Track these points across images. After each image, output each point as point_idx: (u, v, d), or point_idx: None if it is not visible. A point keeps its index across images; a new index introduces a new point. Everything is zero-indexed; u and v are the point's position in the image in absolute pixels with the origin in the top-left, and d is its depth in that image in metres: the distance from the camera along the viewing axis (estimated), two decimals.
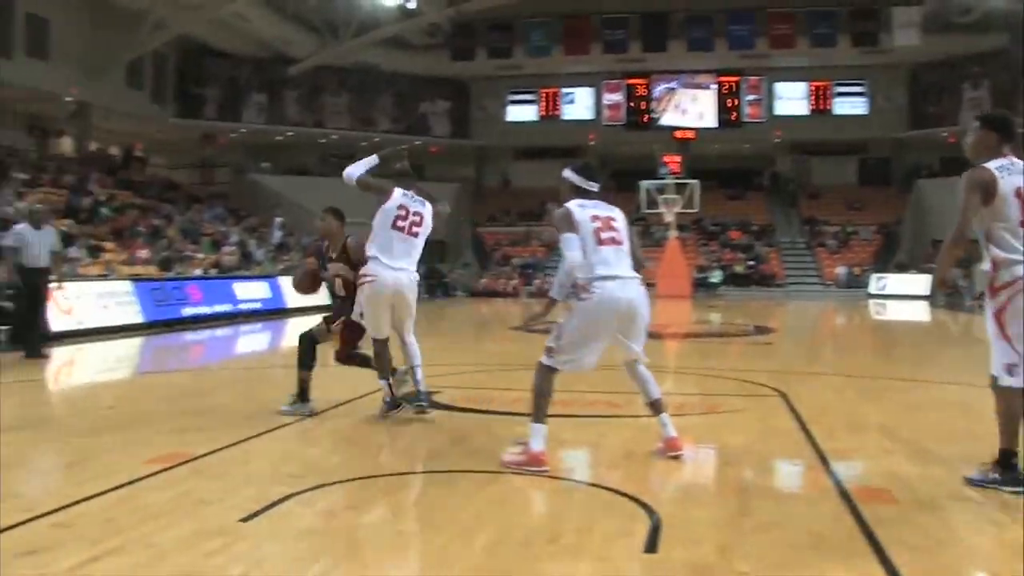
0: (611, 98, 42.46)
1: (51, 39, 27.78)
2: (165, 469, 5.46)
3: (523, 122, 42.98)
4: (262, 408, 7.74)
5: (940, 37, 35.60)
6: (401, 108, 41.73)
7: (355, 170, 7.15)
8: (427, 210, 7.24)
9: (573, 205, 5.67)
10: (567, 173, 5.93)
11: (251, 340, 17.99)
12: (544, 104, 43.11)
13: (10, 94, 27.81)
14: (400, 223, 7.03)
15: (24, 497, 4.95)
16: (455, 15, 37.38)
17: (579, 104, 43.00)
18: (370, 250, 6.99)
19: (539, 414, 5.55)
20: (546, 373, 5.61)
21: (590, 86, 42.60)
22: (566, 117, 43.01)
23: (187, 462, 5.66)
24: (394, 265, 6.97)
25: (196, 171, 38.78)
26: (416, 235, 7.13)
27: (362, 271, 6.99)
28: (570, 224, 5.55)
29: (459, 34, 39.19)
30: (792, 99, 41.74)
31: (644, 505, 4.67)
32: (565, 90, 42.93)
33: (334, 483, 5.21)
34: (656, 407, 5.87)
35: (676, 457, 5.76)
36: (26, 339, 12.68)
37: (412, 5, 34.93)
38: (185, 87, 36.42)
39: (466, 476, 5.37)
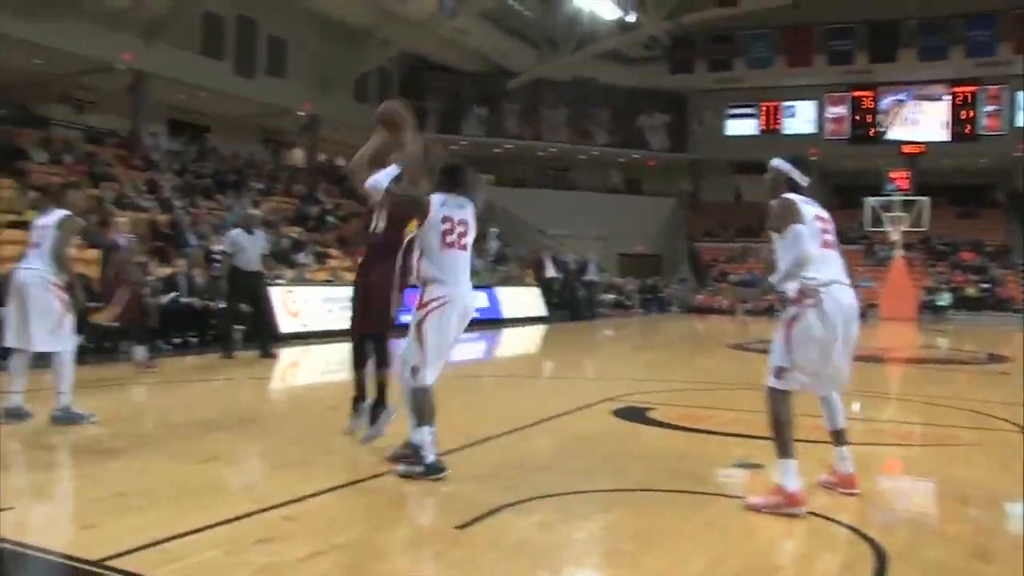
0: (834, 111, 40.98)
1: (288, 58, 29.41)
2: (382, 473, 5.61)
3: (742, 136, 42.16)
4: (478, 416, 7.85)
5: None
6: (618, 121, 41.70)
7: (380, 181, 5.81)
8: (470, 212, 5.97)
9: (795, 197, 5.22)
10: (781, 164, 5.41)
11: (467, 349, 18.36)
12: (764, 117, 42.09)
13: (251, 110, 29.66)
14: (448, 238, 5.79)
15: (256, 489, 5.22)
16: (674, 28, 37.10)
17: (800, 117, 41.73)
18: (428, 271, 5.78)
19: (785, 447, 5.01)
20: (781, 398, 5.08)
21: (813, 99, 41.27)
22: (787, 131, 41.79)
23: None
24: (461, 287, 5.84)
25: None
26: (465, 247, 5.89)
27: (427, 293, 5.79)
28: (796, 215, 5.07)
29: (678, 47, 38.87)
30: None
31: (869, 540, 4.43)
32: (786, 103, 41.82)
33: (548, 496, 5.21)
34: (839, 437, 5.39)
35: (852, 495, 5.31)
36: (258, 339, 13.46)
37: (631, 19, 34.88)
38: (407, 101, 37.55)
39: (682, 496, 5.27)
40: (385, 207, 6.53)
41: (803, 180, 5.38)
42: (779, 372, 5.07)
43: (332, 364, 13.56)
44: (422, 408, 5.66)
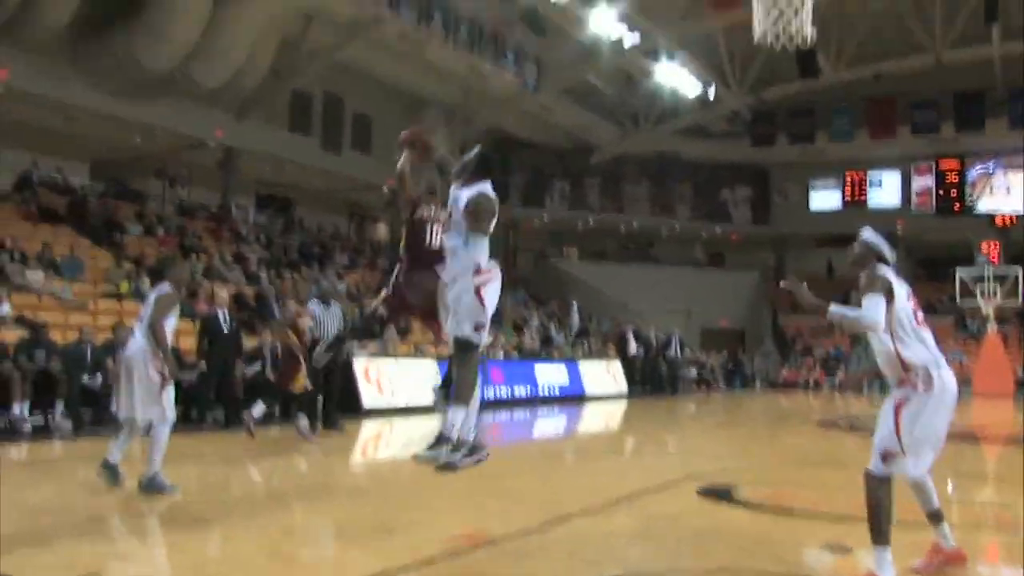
0: (920, 182, 40.25)
1: (373, 134, 30.04)
2: (466, 550, 5.58)
3: (826, 209, 41.71)
4: (560, 492, 7.77)
5: None
6: (700, 195, 41.62)
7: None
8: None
9: (890, 274, 5.16)
10: (872, 237, 5.37)
11: (549, 423, 18.29)
12: (848, 190, 41.58)
13: (337, 184, 30.29)
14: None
15: (338, 563, 5.21)
16: (755, 102, 37.12)
17: (886, 189, 41.08)
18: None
19: (882, 534, 4.86)
20: (883, 483, 4.94)
21: (898, 170, 40.75)
22: (872, 204, 41.23)
23: (487, 544, 5.76)
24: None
25: (500, 256, 40.26)
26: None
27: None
28: (887, 291, 5.04)
29: (759, 120, 38.78)
30: None
31: None
32: (871, 175, 41.31)
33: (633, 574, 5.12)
34: (937, 517, 5.21)
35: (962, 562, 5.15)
36: (326, 411, 13.65)
37: (712, 94, 35.00)
38: (491, 176, 37.98)
39: None
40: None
41: (891, 255, 5.33)
42: (886, 456, 4.96)
43: (414, 438, 13.58)
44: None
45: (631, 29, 27.87)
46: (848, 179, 41.30)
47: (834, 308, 5.12)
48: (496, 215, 5.86)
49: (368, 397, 16.20)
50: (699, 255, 43.34)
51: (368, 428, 13.94)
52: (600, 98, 35.94)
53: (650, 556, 5.80)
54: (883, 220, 39.74)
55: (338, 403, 13.96)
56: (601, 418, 19.92)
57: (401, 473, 9.79)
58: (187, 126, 23.48)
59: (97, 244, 19.05)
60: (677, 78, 32.47)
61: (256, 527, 6.20)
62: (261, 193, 29.76)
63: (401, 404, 16.66)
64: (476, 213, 5.73)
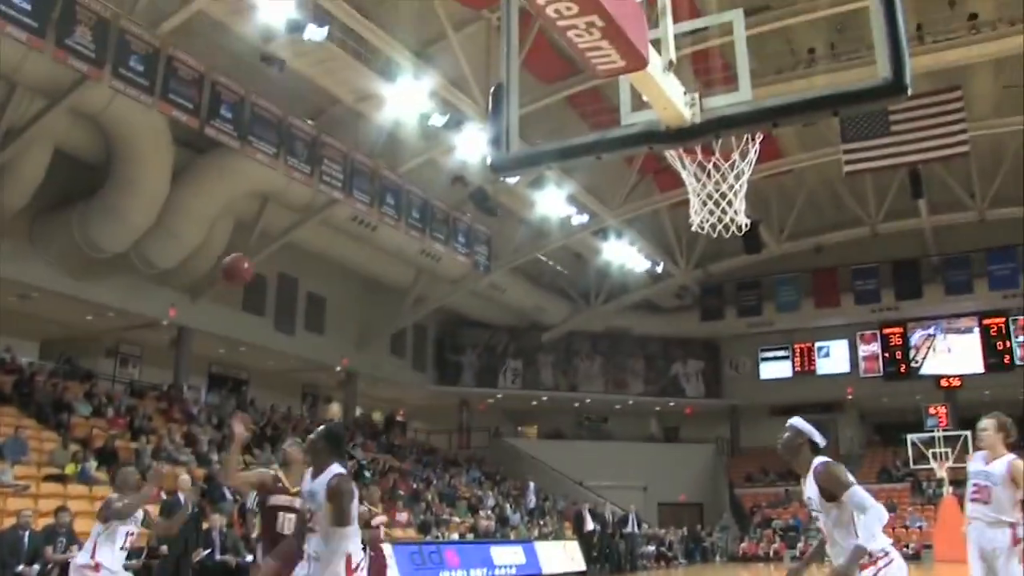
0: (867, 349, 41.06)
1: (326, 315, 30.29)
2: None
3: (777, 379, 42.26)
4: None
5: None
6: (653, 370, 42.00)
7: None
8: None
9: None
10: (801, 424, 5.54)
11: None
12: (798, 359, 42.30)
13: (290, 364, 30.32)
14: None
15: None
16: (703, 276, 38.08)
17: (834, 357, 41.80)
18: None
19: None
20: None
21: (844, 338, 41.59)
22: (821, 371, 41.85)
23: None
24: None
25: (454, 435, 40.02)
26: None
27: None
28: (847, 476, 5.18)
29: (707, 294, 39.65)
30: None
31: None
32: (819, 344, 42.09)
33: None
34: None
35: None
36: None
37: (660, 269, 35.88)
38: (444, 355, 38.30)
39: None
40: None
41: (822, 441, 5.52)
42: None
43: None
44: None
45: (579, 211, 28.74)
46: (796, 349, 42.09)
47: (860, 542, 5.08)
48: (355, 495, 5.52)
49: None
50: (654, 430, 43.44)
51: None
52: (551, 276, 36.70)
53: None
54: (833, 387, 40.46)
55: None
56: None
57: None
58: (140, 305, 23.68)
59: (43, 424, 18.75)
60: (626, 255, 33.33)
61: None
62: (214, 373, 29.68)
63: None
64: (337, 502, 5.38)
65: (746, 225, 6.56)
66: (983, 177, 32.18)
